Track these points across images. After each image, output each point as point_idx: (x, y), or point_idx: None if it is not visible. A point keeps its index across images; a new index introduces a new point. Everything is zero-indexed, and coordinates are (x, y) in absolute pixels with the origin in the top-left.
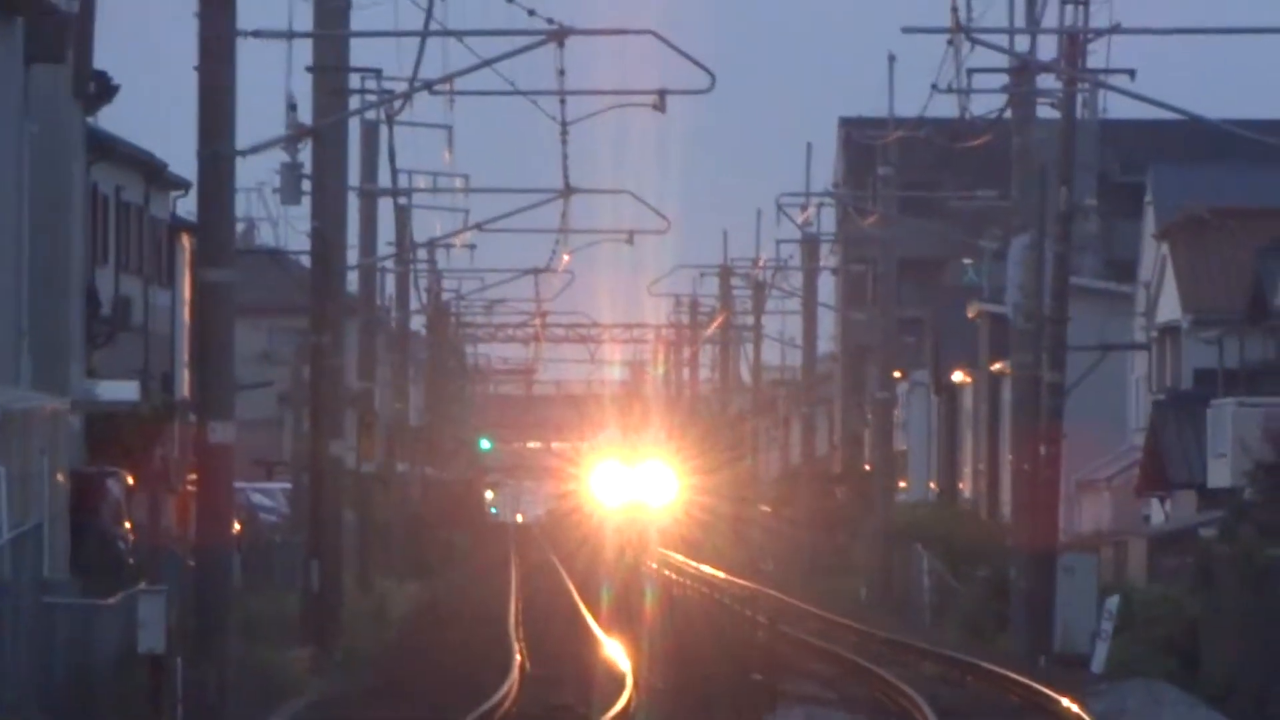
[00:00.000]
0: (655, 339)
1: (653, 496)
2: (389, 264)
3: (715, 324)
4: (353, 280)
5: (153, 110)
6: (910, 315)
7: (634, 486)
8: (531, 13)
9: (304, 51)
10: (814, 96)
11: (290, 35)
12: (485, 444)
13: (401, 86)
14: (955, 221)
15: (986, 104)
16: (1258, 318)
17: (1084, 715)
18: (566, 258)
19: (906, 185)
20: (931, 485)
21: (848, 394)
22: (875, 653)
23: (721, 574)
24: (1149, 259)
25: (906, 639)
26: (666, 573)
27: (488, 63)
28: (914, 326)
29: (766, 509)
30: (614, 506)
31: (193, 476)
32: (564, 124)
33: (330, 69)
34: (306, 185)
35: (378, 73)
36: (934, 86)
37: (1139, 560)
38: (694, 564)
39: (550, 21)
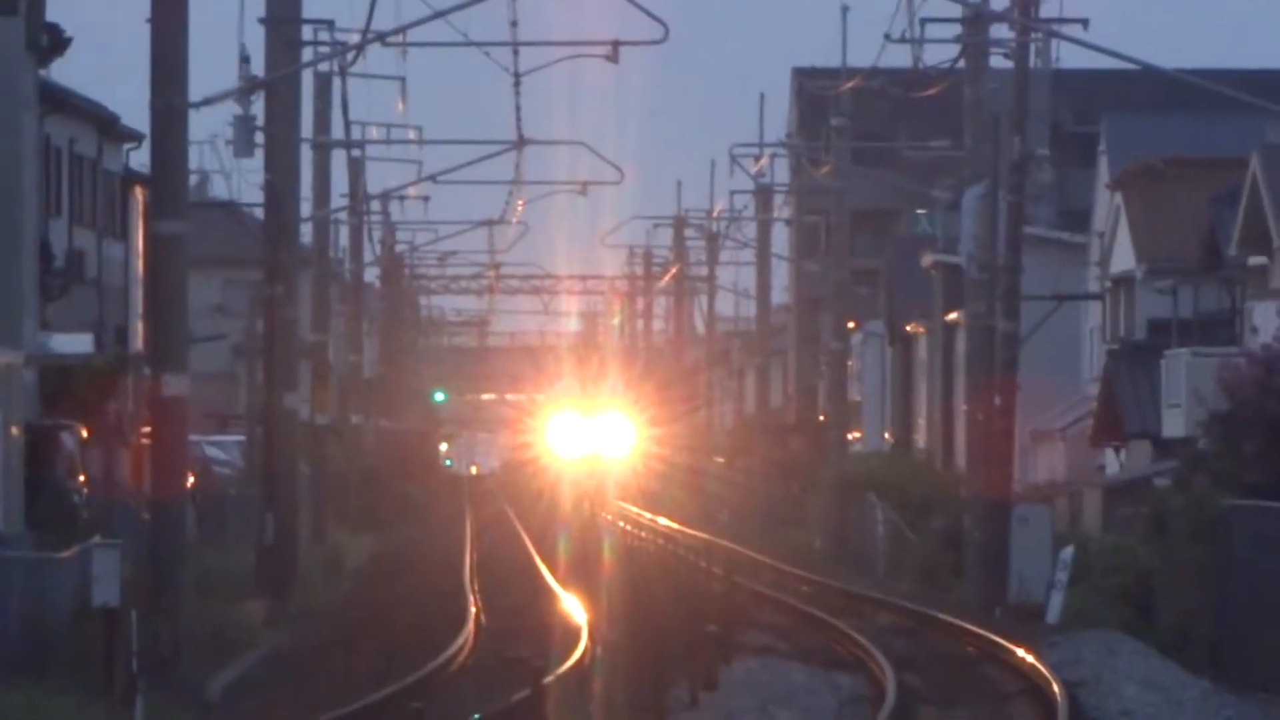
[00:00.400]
0: (610, 290)
1: (610, 448)
2: (342, 216)
3: (669, 275)
4: (306, 232)
5: (105, 63)
6: (864, 266)
7: (591, 438)
8: None
9: (256, 3)
10: (767, 47)
11: None
12: (439, 396)
13: (354, 38)
14: (909, 172)
15: (940, 54)
16: (1211, 267)
17: (1039, 665)
18: (520, 207)
19: (860, 136)
20: (886, 436)
21: (802, 345)
22: (830, 604)
23: (676, 525)
24: (1103, 209)
25: (861, 590)
26: (622, 525)
27: (440, 14)
28: (868, 277)
29: (720, 460)
30: (571, 458)
31: (147, 429)
32: (517, 75)
33: (283, 21)
34: (259, 137)
35: (330, 24)
36: (887, 37)
37: (1094, 510)
38: (648, 515)
39: None
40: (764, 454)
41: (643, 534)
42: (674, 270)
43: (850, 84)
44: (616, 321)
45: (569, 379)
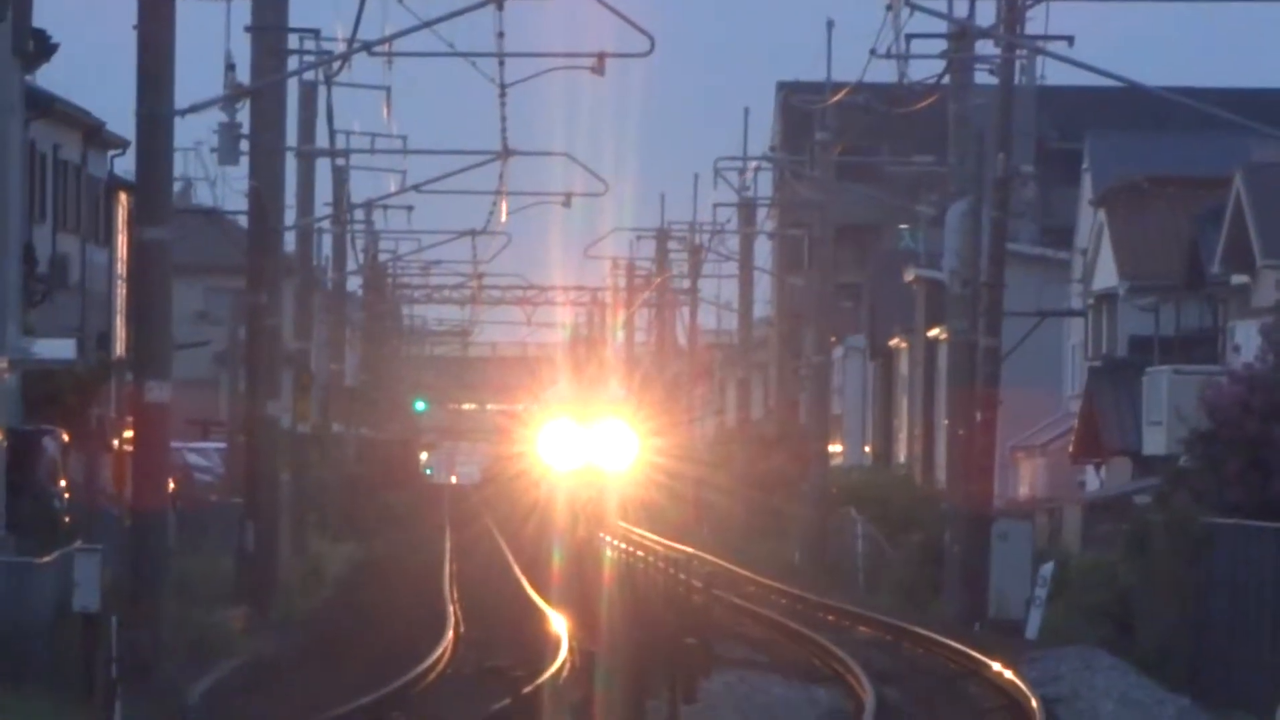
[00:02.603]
0: (592, 302)
1: (609, 459)
2: (326, 224)
3: (652, 287)
4: (290, 240)
5: (91, 69)
6: (847, 280)
7: (588, 448)
8: None
9: (243, 11)
10: (752, 61)
11: None
12: (420, 405)
13: (340, 47)
14: (892, 187)
15: (925, 70)
16: (1194, 285)
17: (1018, 681)
18: (504, 217)
19: (844, 150)
20: (867, 450)
21: (784, 358)
22: (809, 617)
23: (654, 537)
24: (1086, 226)
25: (840, 603)
26: (622, 546)
27: (427, 24)
28: (851, 291)
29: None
30: (564, 469)
31: (129, 435)
32: (503, 86)
33: (269, 29)
34: (244, 145)
35: (316, 33)
36: (873, 52)
37: (1074, 527)
38: (626, 526)
39: None
40: (745, 467)
41: (633, 550)
42: (657, 282)
43: (835, 98)
44: (618, 331)
45: (563, 386)
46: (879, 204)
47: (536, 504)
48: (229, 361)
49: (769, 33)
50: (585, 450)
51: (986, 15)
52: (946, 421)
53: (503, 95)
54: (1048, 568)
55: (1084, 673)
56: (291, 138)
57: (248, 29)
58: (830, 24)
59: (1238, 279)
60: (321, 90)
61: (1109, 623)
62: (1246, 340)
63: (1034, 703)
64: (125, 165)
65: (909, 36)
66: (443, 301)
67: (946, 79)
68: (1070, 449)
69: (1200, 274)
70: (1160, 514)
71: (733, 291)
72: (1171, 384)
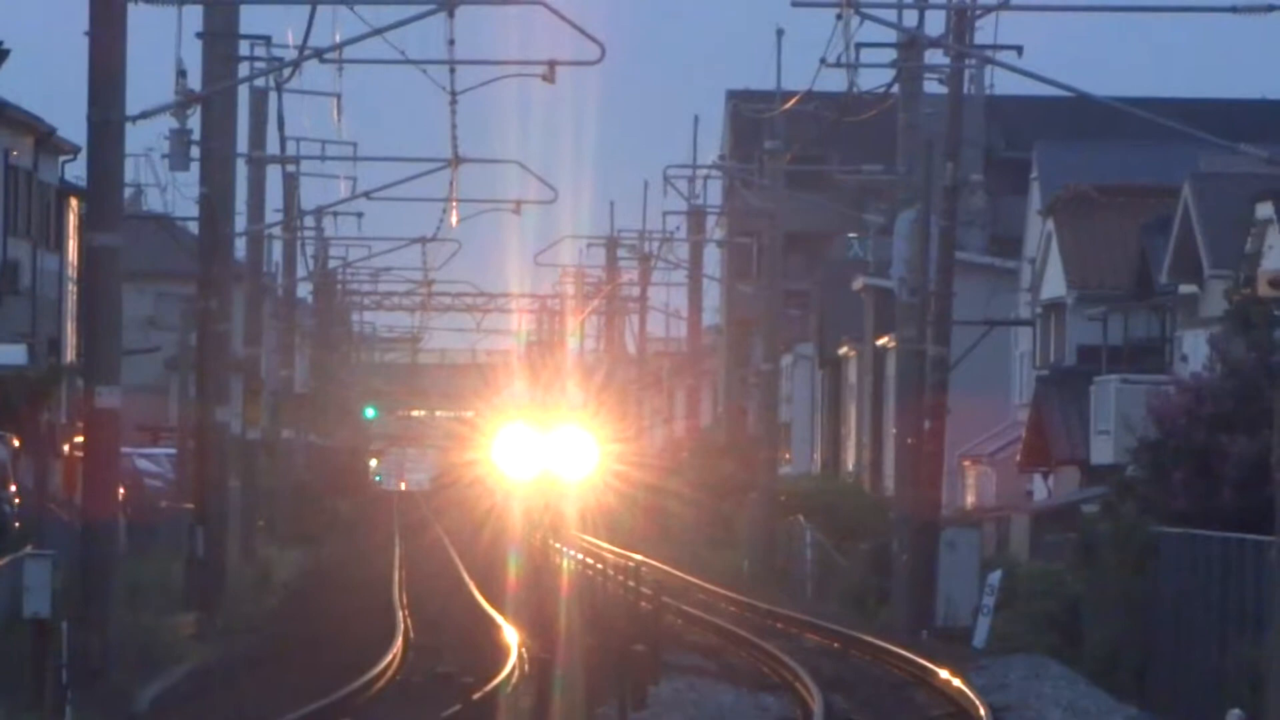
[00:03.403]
0: (542, 309)
1: (567, 466)
2: (276, 231)
3: (601, 295)
4: (240, 247)
5: (43, 74)
6: (796, 288)
7: (545, 455)
8: None
9: (194, 18)
10: (702, 69)
11: (181, 1)
12: (370, 412)
13: (291, 54)
14: (842, 195)
15: (874, 79)
16: (1142, 295)
17: (965, 689)
18: (454, 224)
19: (793, 159)
20: (815, 458)
21: (732, 366)
22: (758, 625)
23: (608, 546)
24: (1034, 235)
25: (789, 611)
26: (579, 557)
27: (378, 31)
28: (799, 299)
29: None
30: (520, 477)
31: (80, 440)
32: (453, 94)
33: (220, 36)
34: (195, 151)
35: (267, 40)
36: (822, 60)
37: (1021, 535)
38: (581, 536)
39: None
40: (694, 476)
41: (585, 557)
42: (606, 290)
43: (785, 107)
44: (574, 336)
45: (519, 391)
46: (828, 212)
47: (491, 511)
48: (179, 367)
49: (719, 41)
50: (542, 457)
51: (936, 25)
52: (895, 430)
53: (453, 103)
54: (995, 576)
55: (1032, 681)
56: (242, 144)
57: (199, 35)
58: (780, 32)
59: (1186, 288)
60: (272, 97)
61: (1057, 631)
62: (1194, 350)
63: (982, 710)
64: (76, 171)
65: (859, 45)
66: (392, 308)
67: (896, 88)
68: (1018, 458)
69: (1148, 284)
70: (1107, 523)
71: (682, 299)
72: (1119, 393)
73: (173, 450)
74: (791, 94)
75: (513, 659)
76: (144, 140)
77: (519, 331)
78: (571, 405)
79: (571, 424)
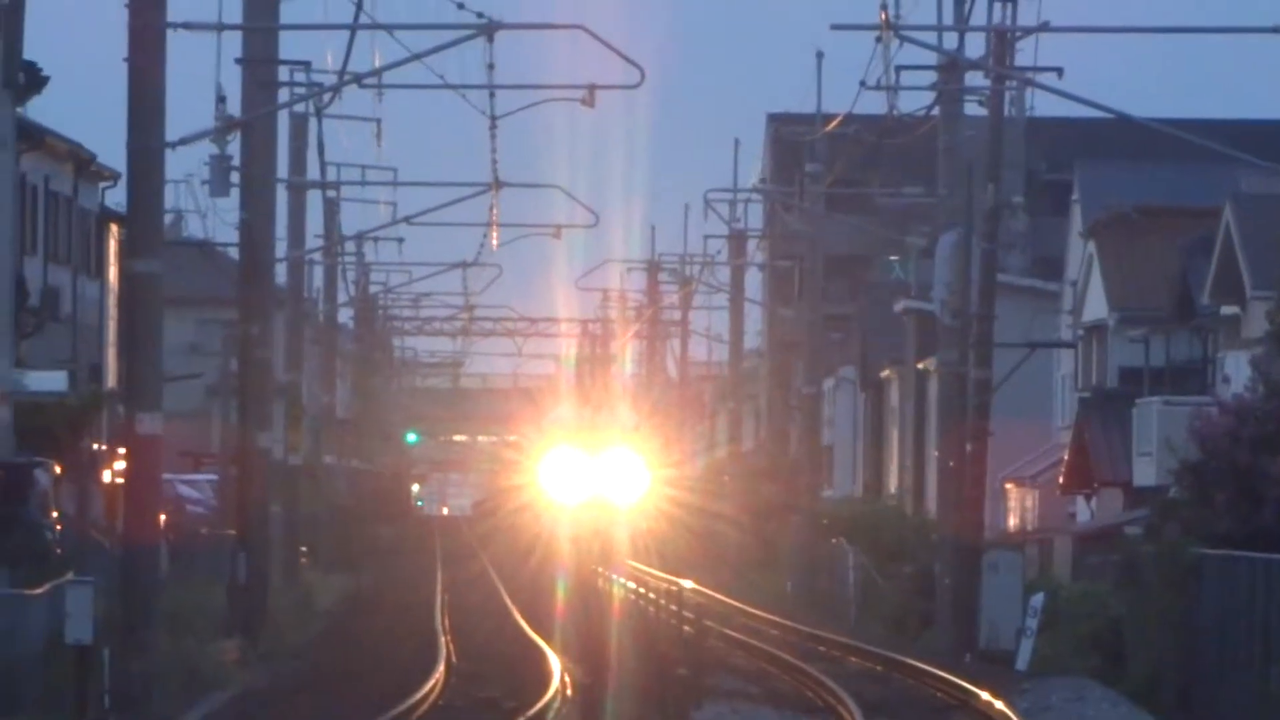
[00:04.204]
0: (583, 333)
1: (619, 491)
2: (317, 256)
3: (643, 319)
4: (281, 272)
5: (82, 100)
6: (837, 311)
7: (596, 479)
8: (461, 6)
9: (234, 44)
10: (743, 93)
11: (220, 28)
12: (412, 437)
13: (331, 79)
14: (883, 218)
15: (915, 101)
16: (1184, 317)
17: (1009, 712)
18: (495, 246)
19: (834, 182)
20: (858, 481)
21: (774, 390)
22: (801, 648)
23: (654, 571)
24: (1076, 257)
25: (832, 634)
26: (613, 575)
27: (417, 56)
28: (841, 323)
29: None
30: (569, 502)
31: (121, 467)
32: (493, 118)
33: (260, 61)
34: (235, 177)
35: (307, 65)
36: (863, 84)
37: (1064, 558)
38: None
39: (480, 15)
40: (736, 499)
41: (628, 582)
42: (648, 313)
43: (825, 130)
44: (624, 360)
45: (566, 413)
46: (869, 235)
47: (538, 537)
48: (220, 393)
49: (759, 64)
50: (593, 482)
51: (976, 47)
52: (937, 452)
53: (493, 127)
54: (1038, 598)
55: (1075, 703)
56: (282, 169)
57: (238, 61)
58: (820, 55)
59: (1228, 310)
60: (312, 122)
61: (1100, 653)
62: (1236, 371)
63: None
64: (117, 197)
65: (899, 68)
66: (434, 333)
67: (936, 110)
68: (1060, 480)
69: (1190, 305)
70: (1150, 545)
71: (723, 323)
72: (1161, 415)
73: (214, 476)
74: (832, 117)
75: (555, 684)
76: (184, 166)
77: (565, 355)
78: (623, 428)
79: (622, 447)
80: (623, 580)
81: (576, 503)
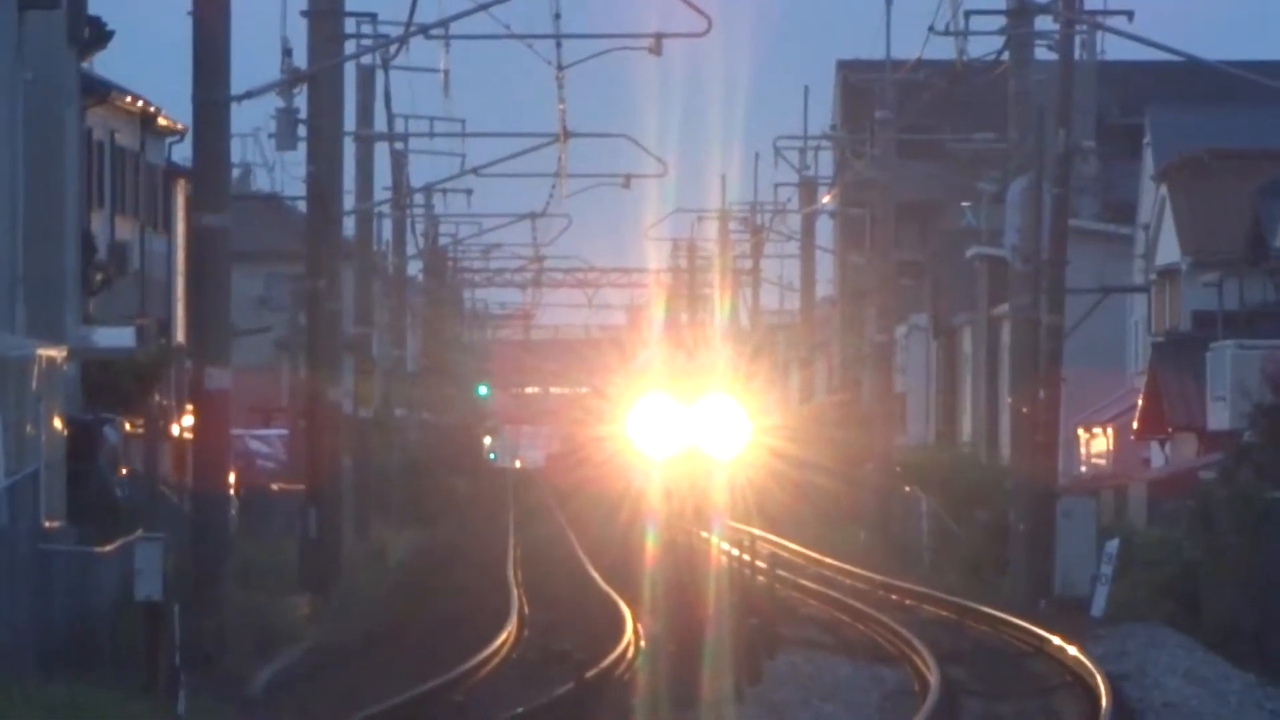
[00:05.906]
0: (654, 283)
1: (717, 444)
2: (385, 209)
3: (713, 270)
4: (349, 225)
5: (147, 55)
6: (908, 258)
7: (689, 431)
8: None
9: None
10: (811, 39)
11: None
12: (483, 389)
13: (397, 31)
14: (953, 164)
15: (984, 46)
16: (1257, 260)
17: (1083, 658)
18: (564, 199)
19: (904, 128)
20: (931, 429)
21: (846, 338)
22: (875, 597)
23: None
24: (1148, 201)
25: (906, 583)
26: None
27: (483, 6)
28: (913, 270)
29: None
30: (659, 454)
31: (190, 422)
32: (560, 68)
33: (326, 13)
34: (302, 130)
35: (373, 17)
36: (931, 29)
37: (1138, 503)
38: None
39: None
40: (808, 448)
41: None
42: (718, 264)
43: (895, 77)
44: (724, 307)
45: (655, 360)
46: (940, 181)
47: (623, 493)
48: (290, 347)
49: (828, 11)
50: (687, 433)
51: None
52: (1010, 399)
53: (560, 77)
54: (1113, 545)
55: (1150, 650)
56: (349, 122)
57: (304, 13)
58: (889, 1)
59: None
60: (379, 74)
61: (1174, 599)
62: None
63: (1099, 679)
64: (183, 152)
65: (968, 13)
66: (504, 285)
67: (1006, 55)
68: (1134, 425)
69: (1263, 248)
70: (1225, 489)
71: (794, 271)
72: (1235, 359)
73: (285, 431)
74: (901, 63)
75: (627, 636)
76: (251, 120)
77: (650, 302)
78: (723, 374)
79: (719, 396)
80: (710, 536)
81: (667, 455)
